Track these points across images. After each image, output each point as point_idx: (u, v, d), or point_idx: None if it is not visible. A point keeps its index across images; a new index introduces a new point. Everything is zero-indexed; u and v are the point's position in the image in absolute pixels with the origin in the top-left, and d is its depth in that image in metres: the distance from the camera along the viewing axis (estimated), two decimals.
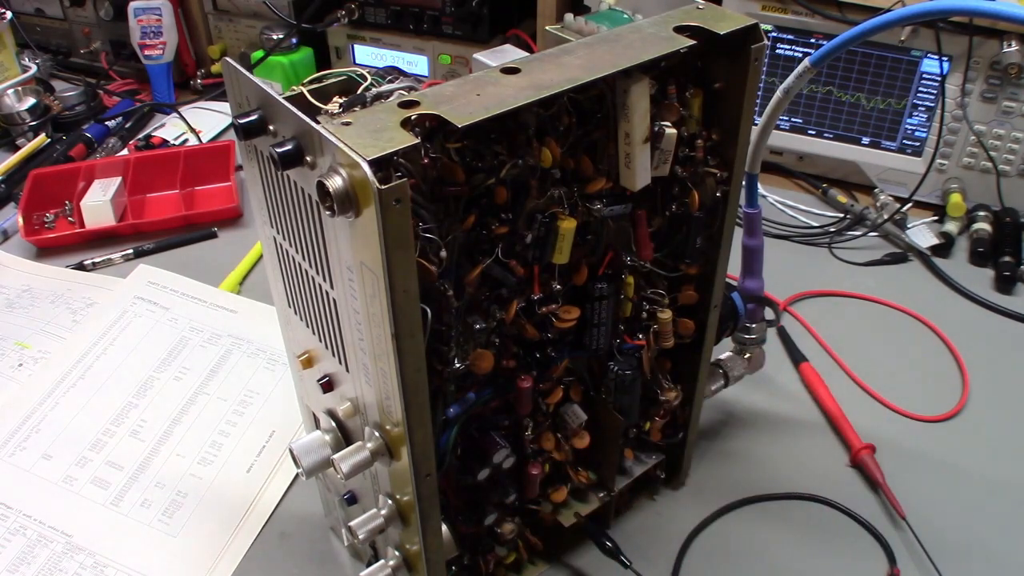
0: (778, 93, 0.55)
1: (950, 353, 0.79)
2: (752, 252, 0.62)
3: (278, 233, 0.46)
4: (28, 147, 1.08)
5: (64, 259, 0.91)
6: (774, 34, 0.96)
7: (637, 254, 0.51)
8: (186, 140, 1.11)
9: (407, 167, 0.34)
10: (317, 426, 0.52)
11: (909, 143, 0.97)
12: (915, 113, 0.95)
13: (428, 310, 0.39)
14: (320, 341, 0.46)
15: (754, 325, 0.65)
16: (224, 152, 1.02)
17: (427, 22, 1.10)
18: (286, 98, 0.39)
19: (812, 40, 0.95)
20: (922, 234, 0.92)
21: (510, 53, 0.49)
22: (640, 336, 0.54)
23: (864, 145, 0.99)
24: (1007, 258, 0.87)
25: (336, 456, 0.43)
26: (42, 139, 1.09)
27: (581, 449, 0.55)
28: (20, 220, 0.93)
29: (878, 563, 0.60)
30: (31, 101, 1.13)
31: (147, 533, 0.63)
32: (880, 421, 0.72)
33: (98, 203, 0.93)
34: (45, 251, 0.93)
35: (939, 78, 0.90)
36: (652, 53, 0.42)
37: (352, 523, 0.46)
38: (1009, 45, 0.85)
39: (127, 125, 1.14)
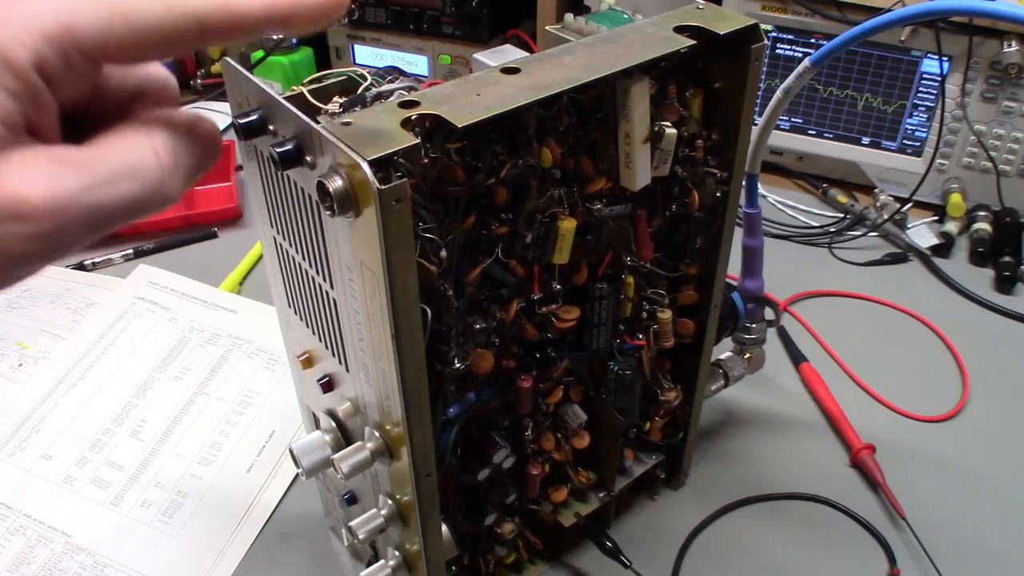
0: (778, 93, 0.55)
1: (950, 353, 0.79)
2: (752, 252, 0.62)
3: (278, 233, 0.46)
4: None
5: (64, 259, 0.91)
6: (774, 34, 0.96)
7: (637, 254, 0.51)
8: None
9: (407, 167, 0.34)
10: (317, 426, 0.52)
11: (909, 143, 0.97)
12: (915, 113, 0.95)
13: (428, 310, 0.39)
14: (320, 341, 0.46)
15: (754, 325, 0.65)
16: (224, 152, 1.01)
17: (427, 22, 1.10)
18: (286, 98, 0.39)
19: (812, 40, 0.95)
20: (922, 234, 0.92)
21: (510, 53, 0.49)
22: (640, 336, 0.54)
23: (864, 145, 0.99)
24: (1007, 258, 0.87)
25: (336, 456, 0.43)
26: None
27: (581, 449, 0.55)
28: None
29: (878, 563, 0.60)
30: None
31: (147, 533, 0.63)
32: (880, 421, 0.72)
33: None
34: None
35: (939, 78, 0.90)
36: (652, 53, 0.42)
37: (352, 523, 0.46)
38: (1009, 45, 0.85)
39: None
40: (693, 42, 0.43)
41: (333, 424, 0.48)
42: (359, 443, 0.44)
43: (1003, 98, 0.89)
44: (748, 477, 0.66)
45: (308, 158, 0.36)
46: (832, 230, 0.95)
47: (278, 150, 0.36)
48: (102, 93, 0.28)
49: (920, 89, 0.93)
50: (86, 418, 0.72)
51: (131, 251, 0.91)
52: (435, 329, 0.41)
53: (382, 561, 0.50)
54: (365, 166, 0.32)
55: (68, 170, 0.25)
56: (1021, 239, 0.89)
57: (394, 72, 0.48)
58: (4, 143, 0.24)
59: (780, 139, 1.02)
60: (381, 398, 0.41)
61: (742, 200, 0.56)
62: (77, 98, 0.27)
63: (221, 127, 1.14)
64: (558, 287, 0.47)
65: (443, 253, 0.39)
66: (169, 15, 0.26)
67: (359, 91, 0.46)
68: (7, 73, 0.24)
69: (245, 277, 0.89)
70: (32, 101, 0.25)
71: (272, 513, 0.64)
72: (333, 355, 0.45)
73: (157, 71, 0.30)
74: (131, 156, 0.27)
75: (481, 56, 0.49)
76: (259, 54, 1.14)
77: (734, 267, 0.58)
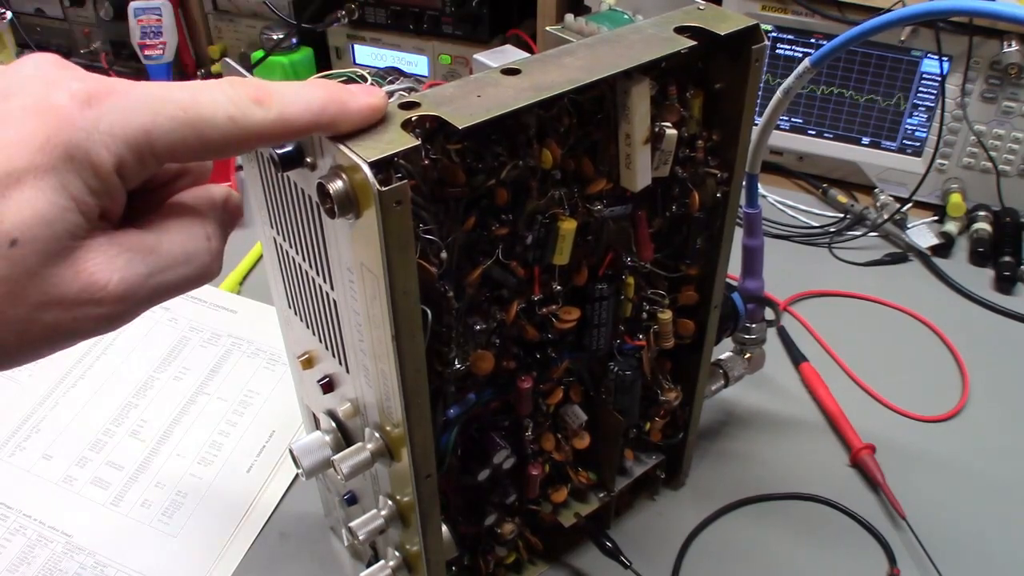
0: (778, 93, 0.55)
1: (950, 353, 0.79)
2: (752, 252, 0.62)
3: (278, 234, 0.46)
4: None
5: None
6: (774, 34, 0.96)
7: (637, 255, 0.51)
8: None
9: (408, 168, 0.34)
10: (317, 426, 0.52)
11: (909, 143, 0.97)
12: (915, 113, 0.95)
13: (428, 311, 0.39)
14: (320, 342, 0.46)
15: (754, 325, 0.65)
16: None
17: (427, 22, 1.10)
18: None
19: (812, 40, 0.95)
20: (922, 234, 0.92)
21: (510, 53, 0.49)
22: (640, 336, 0.54)
23: (864, 145, 0.99)
24: (1007, 258, 0.87)
25: (336, 457, 0.43)
26: None
27: (581, 449, 0.55)
28: None
29: (878, 563, 0.60)
30: None
31: (147, 533, 0.63)
32: (880, 421, 0.72)
33: None
34: None
35: (939, 78, 0.90)
36: (653, 54, 0.42)
37: (352, 523, 0.46)
38: (1009, 45, 0.85)
39: None
40: (694, 43, 0.43)
41: (333, 425, 0.48)
42: (359, 444, 0.44)
43: (1003, 98, 0.89)
44: (748, 477, 0.67)
45: (308, 159, 0.36)
46: (832, 230, 0.95)
47: (278, 151, 0.36)
48: (155, 175, 0.32)
49: (920, 89, 0.93)
50: (86, 418, 0.72)
51: None
52: (435, 330, 0.41)
53: (382, 561, 0.50)
54: (365, 167, 0.32)
55: (137, 257, 0.28)
56: (1021, 239, 0.89)
57: (394, 73, 0.48)
58: (85, 233, 0.27)
59: (780, 139, 1.02)
60: (381, 399, 0.41)
61: (742, 200, 0.56)
62: (140, 183, 0.30)
63: None
64: (558, 288, 0.47)
65: (443, 254, 0.39)
66: (233, 128, 0.29)
67: None
68: (92, 175, 0.27)
69: (245, 277, 0.89)
70: (110, 196, 0.28)
71: (272, 513, 0.64)
72: (333, 356, 0.45)
73: None
74: (188, 243, 0.31)
75: (481, 56, 0.49)
76: (259, 54, 1.14)
77: (734, 267, 0.58)
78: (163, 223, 0.31)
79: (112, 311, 0.27)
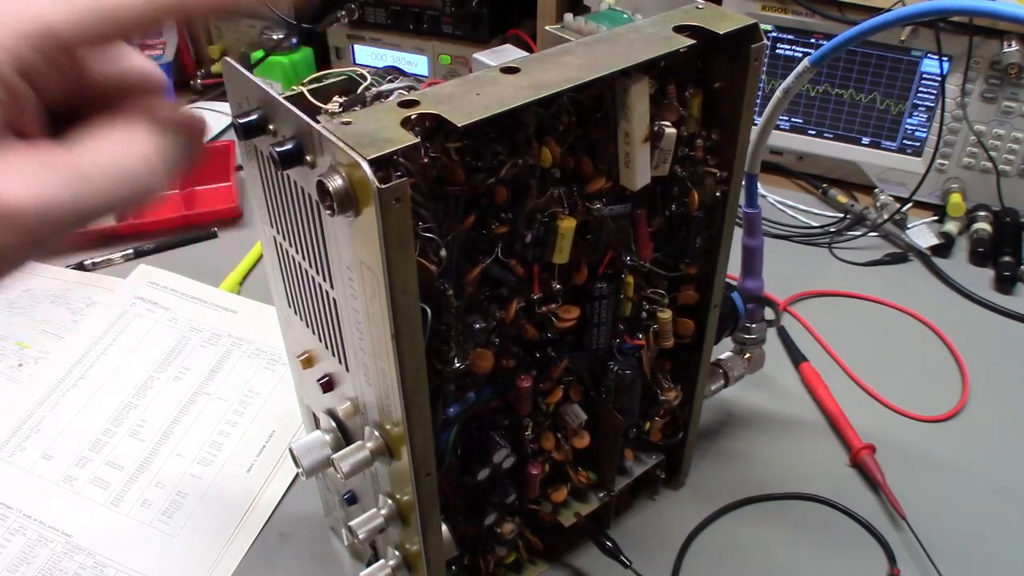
0: (778, 93, 0.55)
1: (950, 353, 0.79)
2: (752, 252, 0.62)
3: (278, 233, 0.46)
4: None
5: (64, 259, 0.91)
6: (774, 34, 0.96)
7: (637, 254, 0.51)
8: None
9: (407, 166, 0.34)
10: (317, 426, 0.52)
11: (909, 143, 0.97)
12: (915, 113, 0.95)
13: (428, 310, 0.39)
14: (320, 341, 0.46)
15: (754, 325, 0.65)
16: (224, 152, 1.02)
17: (427, 22, 1.10)
18: (286, 98, 0.39)
19: (812, 40, 0.95)
20: (922, 234, 0.92)
21: (510, 53, 0.49)
22: (640, 336, 0.54)
23: (864, 145, 0.99)
24: (1007, 258, 0.87)
25: (336, 456, 0.43)
26: None
27: (581, 449, 0.55)
28: None
29: (878, 563, 0.60)
30: None
31: (147, 533, 0.63)
32: (880, 421, 0.71)
33: None
34: None
35: (939, 78, 0.90)
36: (652, 53, 0.42)
37: (352, 523, 0.46)
38: (1009, 45, 0.85)
39: None
40: (692, 42, 0.43)
41: (333, 424, 0.48)
42: (359, 443, 0.44)
43: (1003, 98, 0.89)
44: (748, 477, 0.66)
45: (308, 158, 0.36)
46: (832, 230, 0.95)
47: (278, 150, 0.36)
48: (85, 85, 0.28)
49: (920, 89, 0.93)
50: (86, 418, 0.72)
51: (131, 251, 0.91)
52: (435, 329, 0.41)
53: (382, 561, 0.50)
54: (365, 165, 0.32)
55: (52, 172, 0.24)
56: (1021, 239, 0.89)
57: (394, 72, 0.48)
58: None
59: (780, 139, 1.02)
60: (381, 398, 0.41)
61: (742, 200, 0.56)
62: (61, 93, 0.26)
63: (221, 127, 1.15)
64: (558, 287, 0.47)
65: (443, 252, 0.39)
66: (143, 5, 0.26)
67: (359, 91, 0.46)
68: None
69: (245, 277, 0.89)
70: (15, 104, 0.24)
71: (272, 513, 0.64)
72: (333, 355, 0.45)
73: (141, 62, 0.29)
74: (119, 159, 0.26)
75: (481, 56, 0.49)
76: (259, 54, 1.14)
77: (734, 267, 0.58)
78: (89, 137, 0.26)
79: (25, 234, 0.24)
